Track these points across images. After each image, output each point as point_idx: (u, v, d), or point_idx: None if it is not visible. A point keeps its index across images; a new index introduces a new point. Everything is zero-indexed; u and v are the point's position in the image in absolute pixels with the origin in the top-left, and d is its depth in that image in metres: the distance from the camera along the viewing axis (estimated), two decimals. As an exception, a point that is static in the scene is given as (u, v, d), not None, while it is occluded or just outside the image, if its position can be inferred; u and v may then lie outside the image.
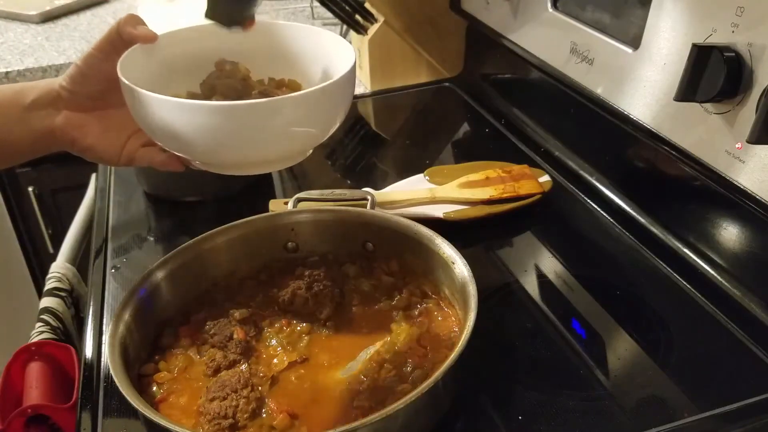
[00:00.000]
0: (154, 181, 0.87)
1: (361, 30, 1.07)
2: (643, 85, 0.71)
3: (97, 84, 0.60)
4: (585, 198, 0.83)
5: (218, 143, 0.54)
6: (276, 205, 0.78)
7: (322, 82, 0.56)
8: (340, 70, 0.57)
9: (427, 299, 0.64)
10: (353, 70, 0.58)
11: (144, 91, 0.53)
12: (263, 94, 0.63)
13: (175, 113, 0.53)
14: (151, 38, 0.60)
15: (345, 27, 1.28)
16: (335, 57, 0.62)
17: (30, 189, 1.50)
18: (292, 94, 0.54)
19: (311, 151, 0.62)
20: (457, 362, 0.49)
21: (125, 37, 0.58)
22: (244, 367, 0.57)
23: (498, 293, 0.70)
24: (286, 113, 0.54)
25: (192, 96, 0.64)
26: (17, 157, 0.63)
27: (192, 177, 0.79)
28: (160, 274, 0.62)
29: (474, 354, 0.52)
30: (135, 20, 0.59)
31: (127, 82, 0.54)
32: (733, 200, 0.64)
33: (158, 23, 0.67)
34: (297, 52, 0.66)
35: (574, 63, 0.81)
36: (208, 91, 0.63)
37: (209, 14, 0.60)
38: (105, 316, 0.70)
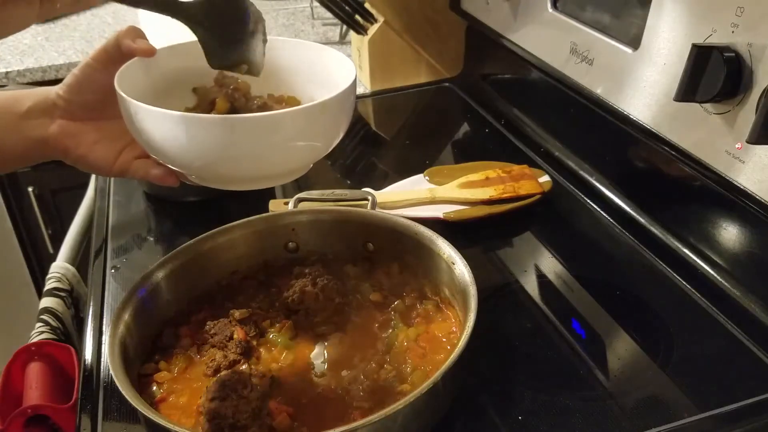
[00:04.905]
0: (154, 181, 0.87)
1: (361, 30, 1.07)
2: (643, 85, 0.71)
3: (93, 94, 0.59)
4: (585, 198, 0.83)
5: (216, 158, 0.53)
6: (276, 205, 0.79)
7: (321, 98, 0.55)
8: (339, 85, 0.56)
9: (426, 300, 0.64)
10: (353, 85, 0.57)
11: (140, 103, 0.52)
12: (263, 109, 0.62)
13: (171, 126, 0.52)
14: (150, 52, 0.59)
15: (345, 27, 1.29)
16: (335, 73, 0.61)
17: (30, 189, 1.50)
18: (292, 109, 0.54)
19: (311, 165, 0.60)
20: (456, 363, 0.49)
21: (124, 49, 0.57)
22: (244, 367, 0.57)
23: (498, 293, 0.70)
24: (285, 128, 0.53)
25: (190, 111, 0.62)
26: (9, 166, 0.62)
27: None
28: (160, 274, 0.62)
29: (474, 354, 0.52)
30: (135, 33, 0.58)
31: (123, 94, 0.53)
32: (733, 200, 0.64)
33: (158, 27, 0.65)
34: (296, 69, 0.65)
35: (574, 63, 0.81)
36: (207, 106, 0.63)
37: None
38: (105, 316, 0.70)
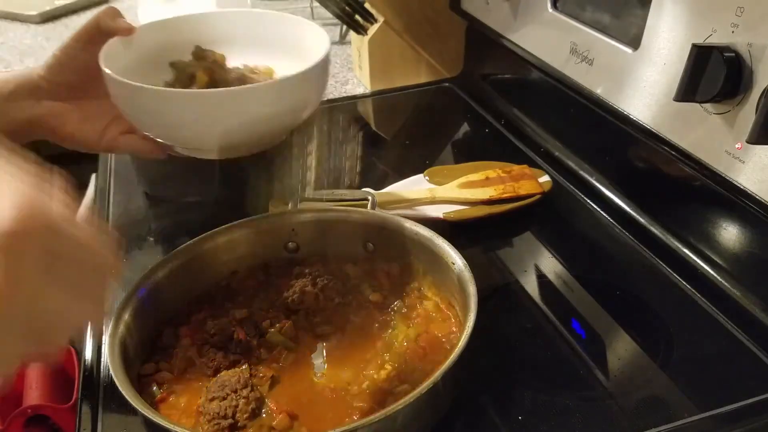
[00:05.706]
0: (154, 181, 0.87)
1: (361, 30, 1.07)
2: (643, 85, 0.71)
3: (75, 74, 0.61)
4: (585, 198, 0.83)
5: (198, 129, 0.57)
6: (276, 205, 0.78)
7: (295, 68, 0.59)
8: (313, 56, 0.60)
9: (426, 300, 0.64)
10: (327, 56, 0.62)
11: (126, 80, 0.56)
12: (240, 81, 0.65)
13: (156, 102, 0.56)
14: (129, 31, 0.63)
15: (345, 27, 1.29)
16: (309, 44, 0.64)
17: (30, 189, 1.50)
18: (270, 81, 0.59)
19: (288, 132, 0.65)
20: (456, 363, 0.49)
21: (104, 28, 0.60)
22: (244, 367, 0.57)
23: (498, 293, 0.70)
24: (263, 99, 0.57)
25: (170, 85, 0.66)
26: None
27: (192, 177, 0.80)
28: (160, 274, 0.62)
29: (474, 354, 0.52)
30: (114, 13, 0.62)
31: (108, 71, 0.56)
32: (733, 200, 0.64)
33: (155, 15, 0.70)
34: (271, 39, 0.69)
35: (574, 63, 0.81)
36: (185, 78, 0.65)
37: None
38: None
